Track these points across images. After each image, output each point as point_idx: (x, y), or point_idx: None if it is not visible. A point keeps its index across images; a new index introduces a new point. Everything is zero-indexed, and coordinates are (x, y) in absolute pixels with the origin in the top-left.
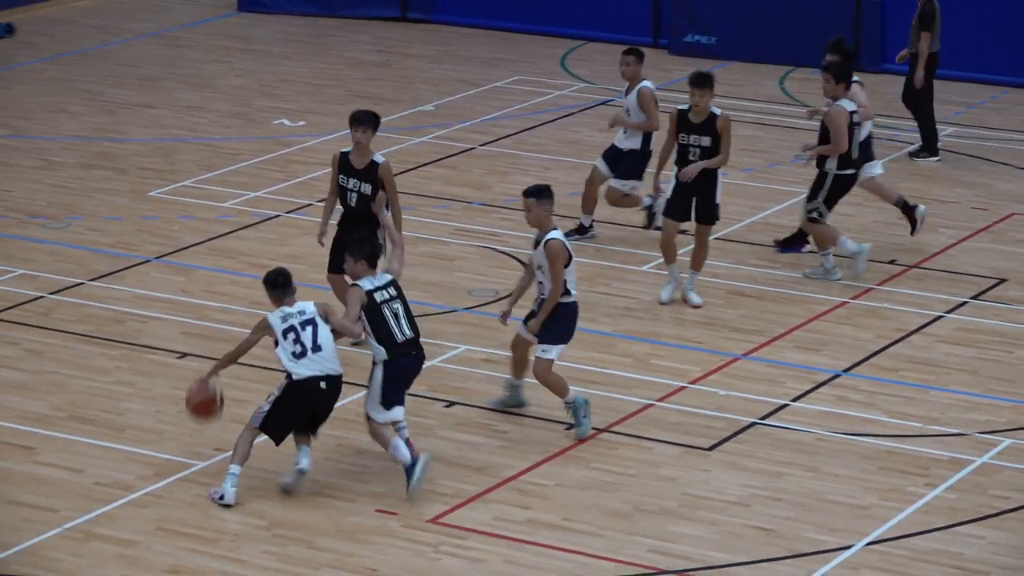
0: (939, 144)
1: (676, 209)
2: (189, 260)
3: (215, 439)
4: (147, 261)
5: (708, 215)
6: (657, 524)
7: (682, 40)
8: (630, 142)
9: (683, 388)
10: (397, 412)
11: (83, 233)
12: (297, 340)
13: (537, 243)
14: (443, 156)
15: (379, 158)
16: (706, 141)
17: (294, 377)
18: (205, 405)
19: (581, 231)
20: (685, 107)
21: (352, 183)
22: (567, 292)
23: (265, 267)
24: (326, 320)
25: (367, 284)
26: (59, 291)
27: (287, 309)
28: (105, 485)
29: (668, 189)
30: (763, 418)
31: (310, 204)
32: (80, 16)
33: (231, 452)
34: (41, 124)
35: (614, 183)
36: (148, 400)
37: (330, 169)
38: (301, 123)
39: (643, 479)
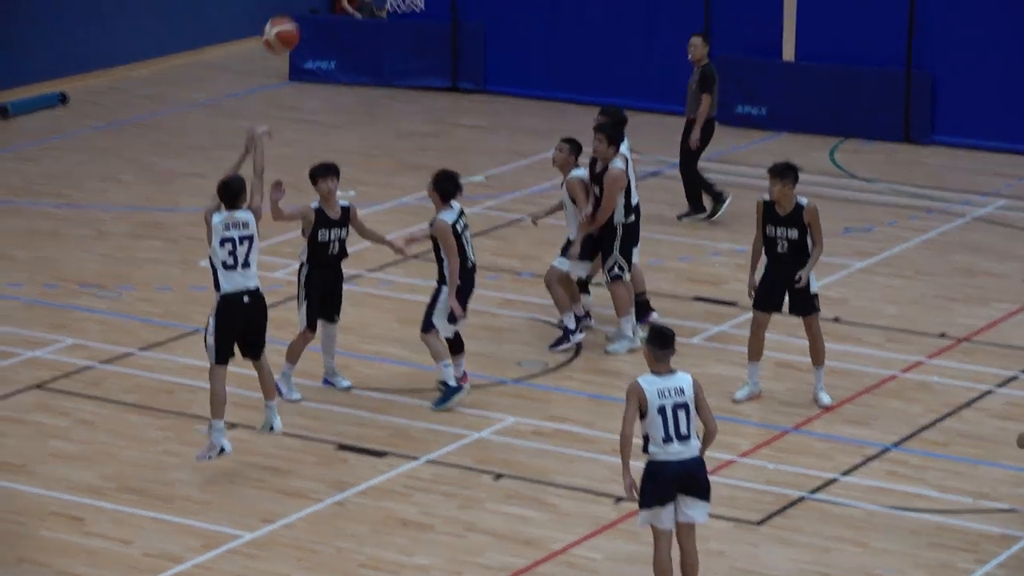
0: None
1: (766, 301)
2: None
3: (263, 511)
4: (196, 331)
5: (808, 306)
6: None
7: (733, 111)
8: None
9: (733, 461)
10: (460, 326)
11: (133, 303)
12: (232, 253)
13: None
14: (493, 227)
15: (344, 202)
16: (794, 233)
17: (222, 292)
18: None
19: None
20: (768, 198)
21: (332, 233)
22: None
23: (309, 349)
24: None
25: (446, 216)
26: (109, 360)
27: (236, 215)
28: (153, 556)
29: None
30: (813, 492)
31: (359, 275)
32: (131, 86)
33: (211, 407)
34: (92, 193)
35: (556, 262)
36: (196, 470)
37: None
38: (351, 192)
39: None
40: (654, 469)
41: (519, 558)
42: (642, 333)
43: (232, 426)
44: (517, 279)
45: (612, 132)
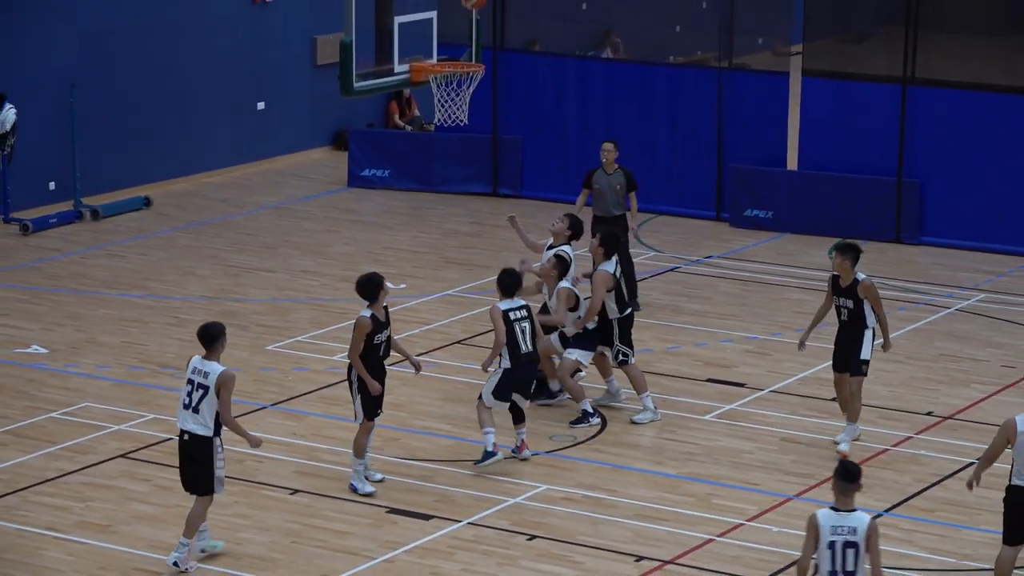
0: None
1: (838, 361)
2: (301, 407)
3: (322, 567)
4: (264, 407)
5: (856, 368)
6: None
7: (742, 214)
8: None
9: (741, 525)
10: (501, 405)
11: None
12: (189, 394)
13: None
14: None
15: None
16: (850, 304)
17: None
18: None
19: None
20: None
21: (383, 334)
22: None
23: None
24: (218, 393)
25: (502, 305)
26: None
27: (195, 363)
28: None
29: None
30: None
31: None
32: (208, 190)
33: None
34: (173, 286)
35: (566, 353)
36: (263, 531)
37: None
38: (402, 286)
39: None
40: None
41: None
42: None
43: (294, 491)
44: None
45: (609, 244)
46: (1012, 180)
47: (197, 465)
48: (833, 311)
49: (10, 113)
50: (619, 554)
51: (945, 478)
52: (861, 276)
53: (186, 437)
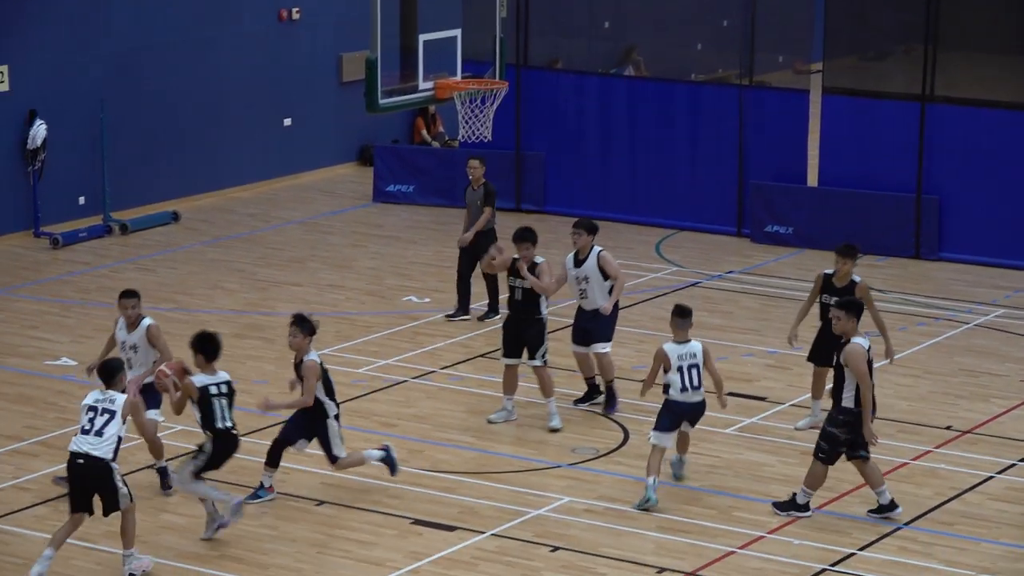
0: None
1: (822, 356)
2: None
3: None
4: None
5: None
6: None
7: (762, 230)
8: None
9: (762, 537)
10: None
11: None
12: (92, 420)
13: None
14: (551, 330)
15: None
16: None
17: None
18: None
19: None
20: (831, 271)
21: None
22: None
23: (394, 426)
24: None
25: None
26: None
27: (95, 395)
28: None
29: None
30: (833, 565)
31: (433, 371)
32: (236, 205)
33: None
34: (201, 299)
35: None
36: (289, 542)
37: None
38: (427, 300)
39: None
40: (672, 406)
41: None
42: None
43: (320, 503)
44: (572, 376)
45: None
46: None
47: (103, 488)
48: (818, 310)
49: (41, 129)
50: (641, 565)
51: (964, 492)
52: (857, 277)
53: (80, 461)
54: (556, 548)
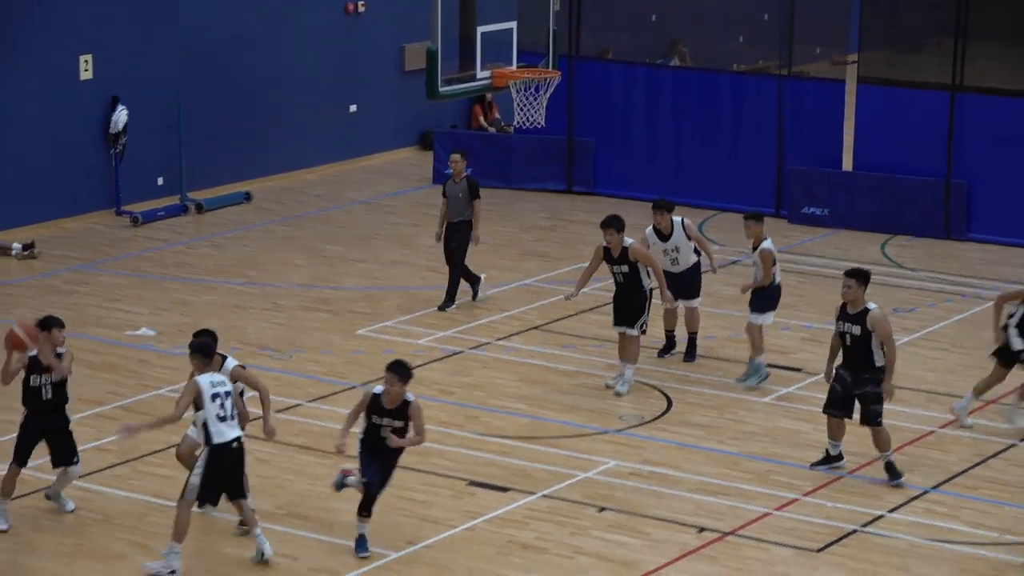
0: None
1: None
2: None
3: (407, 534)
4: (353, 387)
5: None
6: None
7: (800, 211)
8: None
9: (797, 500)
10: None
11: (302, 363)
12: (223, 406)
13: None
14: (600, 304)
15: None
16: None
17: (215, 441)
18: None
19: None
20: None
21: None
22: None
23: (451, 393)
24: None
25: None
26: (282, 410)
27: (215, 376)
28: (317, 570)
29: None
30: (864, 526)
31: (488, 342)
32: (305, 187)
33: (172, 530)
34: (271, 274)
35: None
36: (353, 500)
37: None
38: (483, 275)
39: (762, 575)
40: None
41: None
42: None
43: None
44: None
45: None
46: None
47: (241, 471)
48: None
49: (122, 114)
50: (683, 525)
51: (988, 458)
52: (872, 305)
53: (235, 445)
54: (603, 508)
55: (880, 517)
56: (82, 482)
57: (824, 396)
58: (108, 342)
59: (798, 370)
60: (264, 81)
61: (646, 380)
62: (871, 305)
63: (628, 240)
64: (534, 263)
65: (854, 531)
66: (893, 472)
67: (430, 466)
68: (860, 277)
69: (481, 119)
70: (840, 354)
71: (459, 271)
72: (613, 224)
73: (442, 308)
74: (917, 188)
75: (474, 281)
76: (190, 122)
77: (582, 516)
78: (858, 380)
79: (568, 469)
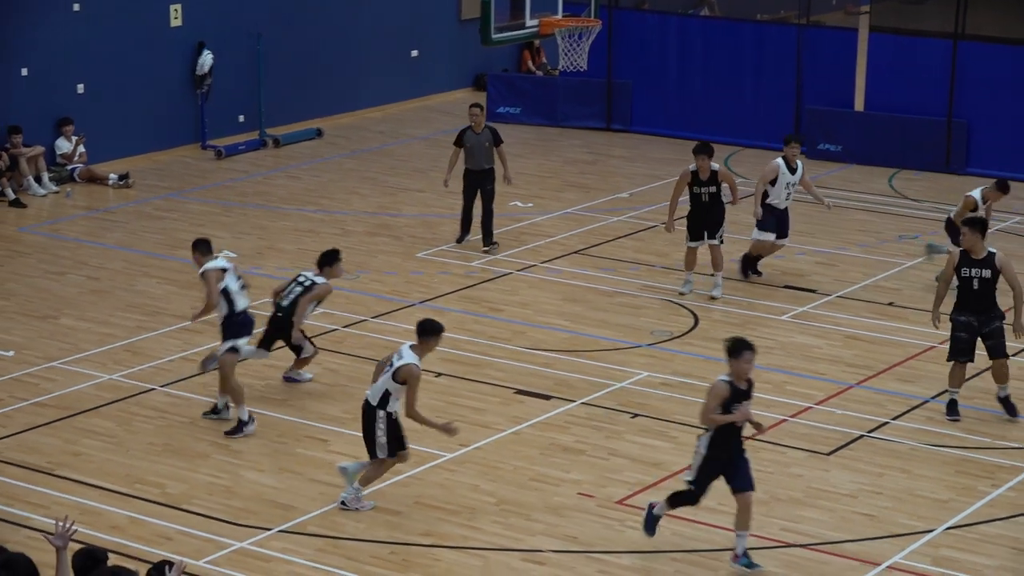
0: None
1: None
2: (445, 304)
3: (460, 438)
4: (413, 305)
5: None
6: (787, 509)
7: (816, 148)
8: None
9: (810, 408)
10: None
11: (368, 283)
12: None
13: None
14: (635, 231)
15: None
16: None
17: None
18: None
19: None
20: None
21: None
22: None
23: (500, 311)
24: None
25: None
26: (349, 325)
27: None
28: None
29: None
30: (870, 432)
31: (534, 264)
32: (370, 124)
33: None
34: (340, 203)
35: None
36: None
37: None
38: (530, 205)
39: (777, 476)
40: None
41: (648, 476)
42: None
43: (438, 374)
44: (652, 270)
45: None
46: None
47: (365, 429)
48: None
49: (208, 58)
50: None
51: (983, 371)
52: (994, 249)
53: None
54: (636, 415)
55: (884, 424)
56: (172, 388)
57: (834, 314)
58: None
59: (812, 291)
60: (335, 29)
61: (676, 300)
62: (992, 249)
63: (714, 165)
64: (575, 194)
65: (861, 436)
66: (1009, 406)
67: (481, 376)
68: (976, 225)
69: (529, 63)
70: (957, 301)
71: (492, 211)
72: (705, 151)
73: (492, 244)
74: (922, 127)
75: (468, 228)
76: (269, 66)
77: (617, 421)
78: (985, 320)
79: (604, 379)
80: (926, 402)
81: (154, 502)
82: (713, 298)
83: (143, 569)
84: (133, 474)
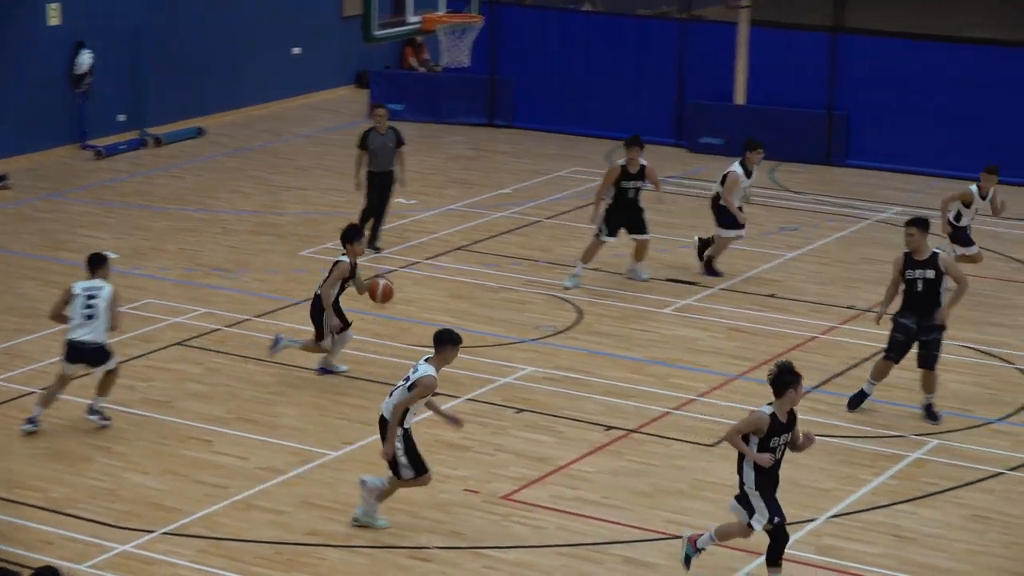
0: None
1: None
2: None
3: (345, 436)
4: (296, 303)
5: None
6: (672, 501)
7: (698, 141)
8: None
9: (693, 400)
10: None
11: (250, 282)
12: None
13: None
14: (518, 226)
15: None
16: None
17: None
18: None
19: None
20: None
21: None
22: None
23: (386, 308)
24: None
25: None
26: (232, 325)
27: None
28: (264, 469)
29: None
30: None
31: (419, 261)
32: (253, 122)
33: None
34: (222, 202)
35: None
36: (296, 406)
37: None
38: (413, 201)
39: (662, 468)
40: None
41: (534, 471)
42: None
43: (321, 371)
44: (535, 264)
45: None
46: (923, 114)
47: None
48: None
49: (86, 57)
50: (592, 424)
51: (863, 360)
52: (937, 249)
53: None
54: (521, 410)
55: None
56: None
57: (717, 307)
58: (75, 264)
59: (694, 284)
60: (217, 27)
61: (559, 295)
62: (936, 249)
63: (642, 160)
64: (459, 190)
65: None
66: (931, 414)
67: (366, 373)
68: (921, 225)
69: (412, 60)
70: (902, 302)
71: (385, 217)
72: (637, 144)
73: (376, 248)
74: (802, 120)
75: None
76: (150, 64)
77: (502, 417)
78: (925, 327)
79: (489, 375)
80: (808, 391)
81: (36, 507)
82: (644, 280)
83: (25, 574)
84: (13, 479)
